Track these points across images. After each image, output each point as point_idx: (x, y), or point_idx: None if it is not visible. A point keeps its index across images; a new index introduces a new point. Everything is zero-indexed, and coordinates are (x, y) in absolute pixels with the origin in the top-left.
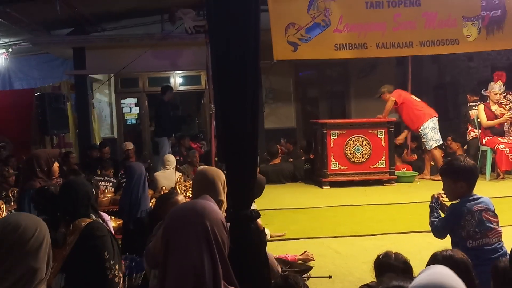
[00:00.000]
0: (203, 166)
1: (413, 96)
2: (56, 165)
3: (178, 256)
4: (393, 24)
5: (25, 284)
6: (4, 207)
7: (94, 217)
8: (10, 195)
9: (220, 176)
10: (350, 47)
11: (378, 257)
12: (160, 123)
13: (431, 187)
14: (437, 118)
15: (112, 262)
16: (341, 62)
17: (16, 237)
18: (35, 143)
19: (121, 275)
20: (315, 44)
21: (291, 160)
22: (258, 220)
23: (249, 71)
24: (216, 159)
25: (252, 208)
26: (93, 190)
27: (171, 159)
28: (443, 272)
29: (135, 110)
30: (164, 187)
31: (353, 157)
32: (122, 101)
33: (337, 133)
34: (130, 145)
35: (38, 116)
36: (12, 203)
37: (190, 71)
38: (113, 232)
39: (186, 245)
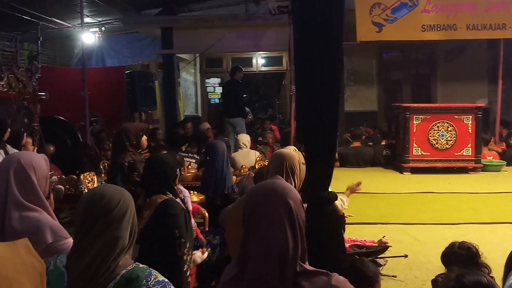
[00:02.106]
0: (279, 149)
1: None
2: (144, 138)
3: (261, 233)
4: (485, 5)
5: (108, 252)
6: (96, 179)
7: (170, 195)
8: (101, 167)
9: (291, 159)
10: (438, 28)
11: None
12: (237, 104)
13: None
14: None
15: (182, 240)
16: (427, 44)
17: (102, 206)
18: (125, 119)
19: (190, 252)
20: (401, 25)
21: (371, 144)
22: (336, 202)
23: (331, 52)
24: (295, 140)
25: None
26: (175, 168)
27: (245, 138)
28: None
29: (219, 90)
30: (244, 166)
31: (436, 143)
32: (207, 80)
33: (421, 118)
34: (206, 125)
35: (128, 93)
36: (102, 175)
37: (272, 52)
38: (190, 209)
39: (269, 223)
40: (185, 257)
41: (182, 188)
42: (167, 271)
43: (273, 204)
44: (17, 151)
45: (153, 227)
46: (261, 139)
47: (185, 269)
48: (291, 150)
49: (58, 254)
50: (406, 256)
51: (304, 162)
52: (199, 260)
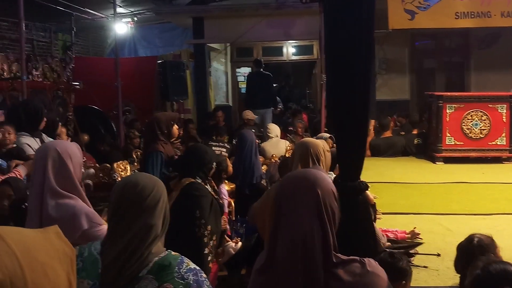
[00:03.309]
0: (305, 138)
1: None
2: (175, 127)
3: (289, 222)
4: None
5: (141, 239)
6: (129, 167)
7: (199, 180)
8: (134, 156)
9: (315, 146)
10: (472, 16)
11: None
12: (268, 94)
13: None
14: None
15: (203, 221)
16: (461, 32)
17: (135, 194)
18: (157, 109)
19: (213, 237)
20: (434, 12)
21: (403, 133)
22: (368, 192)
23: (362, 40)
24: (326, 129)
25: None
26: (212, 160)
27: (275, 127)
28: None
29: None
30: (274, 155)
31: (470, 132)
32: (237, 70)
33: (454, 107)
34: (249, 114)
35: (159, 82)
36: (135, 164)
37: (303, 40)
38: (226, 195)
39: (296, 212)
40: (205, 240)
41: (223, 190)
42: (186, 252)
43: (300, 193)
44: (52, 139)
45: (177, 207)
46: (291, 128)
47: (205, 252)
48: (323, 138)
49: (93, 240)
50: (438, 255)
51: (329, 149)
52: (232, 252)
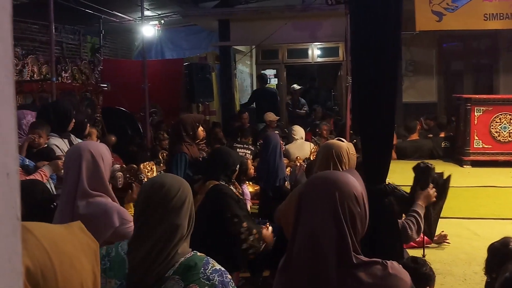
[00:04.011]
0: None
1: None
2: (200, 129)
3: (305, 222)
4: None
5: (168, 239)
6: (155, 168)
7: (223, 182)
8: (160, 157)
9: (338, 148)
10: (501, 17)
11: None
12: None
13: None
14: None
15: (235, 220)
16: (490, 33)
17: (161, 195)
18: (183, 110)
19: (251, 231)
20: (462, 14)
21: (431, 136)
22: (429, 190)
23: (389, 42)
24: (351, 132)
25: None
26: (236, 163)
27: (298, 129)
28: None
29: (274, 81)
30: (298, 157)
31: (498, 136)
32: (262, 72)
33: (482, 110)
34: (271, 116)
35: (186, 84)
36: (161, 165)
37: (328, 42)
38: (248, 196)
39: (312, 212)
40: (242, 236)
41: (246, 190)
42: (220, 252)
43: (318, 194)
44: (80, 140)
45: (204, 210)
46: (317, 130)
47: (244, 247)
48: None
49: (124, 237)
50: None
51: (354, 152)
52: (269, 238)
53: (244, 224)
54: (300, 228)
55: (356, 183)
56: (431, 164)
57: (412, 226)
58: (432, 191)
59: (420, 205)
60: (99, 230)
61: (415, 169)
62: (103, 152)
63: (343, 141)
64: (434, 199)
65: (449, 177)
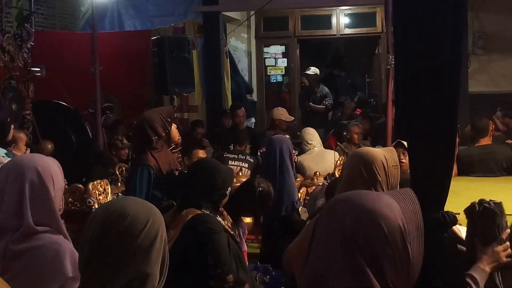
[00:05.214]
0: (360, 148)
1: None
2: (174, 127)
3: (314, 260)
4: None
5: None
6: (109, 189)
7: (207, 211)
8: (118, 173)
9: (370, 160)
10: None
11: None
12: None
13: None
14: None
15: (219, 270)
16: None
17: (122, 230)
18: (150, 105)
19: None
20: None
21: (510, 141)
22: (455, 228)
23: (448, 7)
24: (393, 136)
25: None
26: (227, 183)
27: (312, 132)
28: None
29: (282, 63)
30: (318, 173)
31: None
32: (265, 49)
33: None
34: (283, 113)
35: (154, 68)
36: (119, 184)
37: (361, 6)
38: (245, 231)
39: (323, 247)
40: None
41: (242, 223)
42: None
43: (329, 226)
44: (1, 149)
45: (179, 253)
46: (345, 133)
47: None
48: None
49: None
50: None
51: (396, 164)
52: None
53: (230, 277)
54: (309, 267)
55: (392, 209)
56: (497, 204)
57: None
58: (503, 247)
59: (481, 269)
60: (44, 281)
61: (468, 212)
62: (54, 171)
63: (379, 149)
64: (506, 259)
65: None
